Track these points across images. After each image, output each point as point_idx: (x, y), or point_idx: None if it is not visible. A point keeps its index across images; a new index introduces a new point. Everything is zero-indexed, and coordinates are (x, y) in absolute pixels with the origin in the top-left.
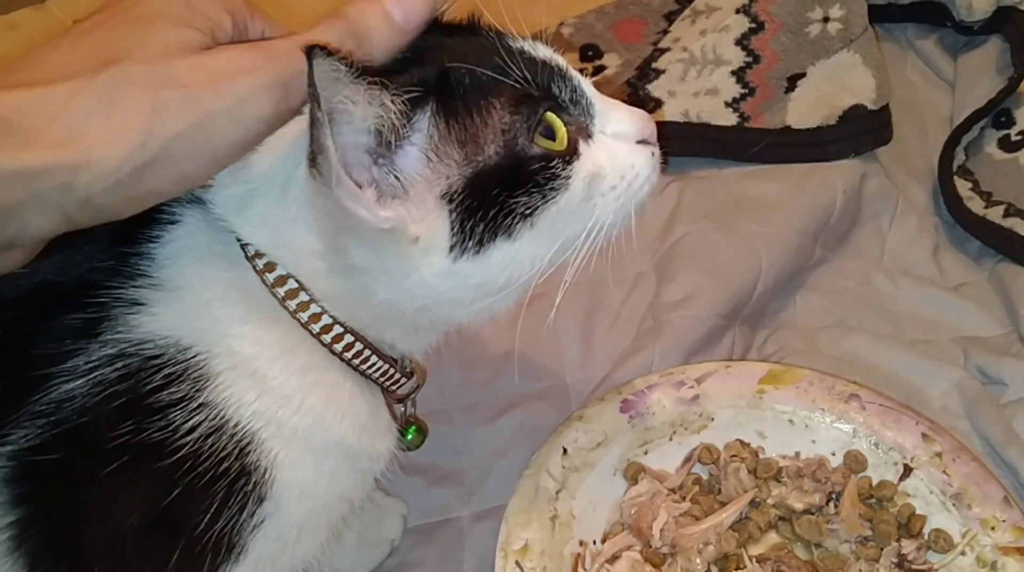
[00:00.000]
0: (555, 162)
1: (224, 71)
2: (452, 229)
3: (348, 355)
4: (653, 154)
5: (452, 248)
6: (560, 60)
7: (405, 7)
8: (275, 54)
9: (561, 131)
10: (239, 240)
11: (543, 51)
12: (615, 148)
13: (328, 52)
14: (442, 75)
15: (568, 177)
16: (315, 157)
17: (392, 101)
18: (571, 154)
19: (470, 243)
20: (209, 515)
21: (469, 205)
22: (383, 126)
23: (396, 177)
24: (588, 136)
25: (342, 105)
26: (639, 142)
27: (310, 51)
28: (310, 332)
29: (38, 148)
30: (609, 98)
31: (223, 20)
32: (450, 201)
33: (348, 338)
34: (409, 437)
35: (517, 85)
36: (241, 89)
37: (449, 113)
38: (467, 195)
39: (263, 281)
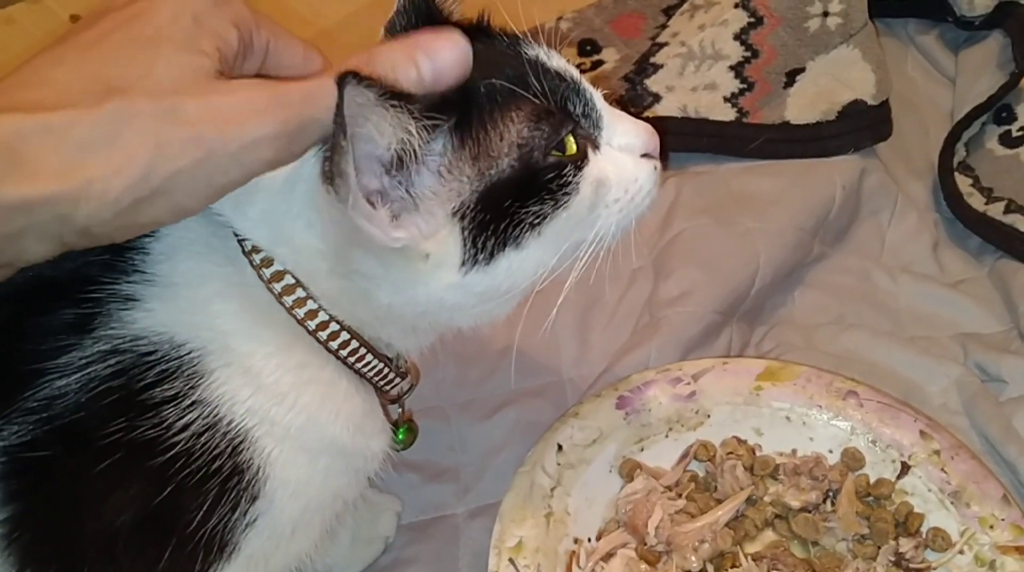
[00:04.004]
0: (567, 169)
1: (233, 115)
2: (464, 245)
3: (344, 353)
4: (656, 168)
5: (463, 263)
6: (574, 72)
7: (437, 67)
8: (288, 100)
9: (571, 143)
10: (237, 235)
11: (557, 61)
12: (620, 160)
13: (359, 79)
14: (461, 92)
15: (578, 182)
16: (333, 178)
17: (416, 129)
18: (581, 159)
19: (481, 256)
20: (201, 513)
21: (481, 220)
22: (404, 150)
23: (407, 191)
24: (596, 147)
25: (367, 131)
26: (642, 155)
27: (342, 80)
28: (306, 329)
29: (40, 179)
30: (616, 110)
31: (229, 35)
32: (462, 217)
33: (344, 336)
34: (400, 437)
35: (536, 100)
36: (248, 136)
37: (464, 128)
38: (479, 210)
39: (260, 276)
